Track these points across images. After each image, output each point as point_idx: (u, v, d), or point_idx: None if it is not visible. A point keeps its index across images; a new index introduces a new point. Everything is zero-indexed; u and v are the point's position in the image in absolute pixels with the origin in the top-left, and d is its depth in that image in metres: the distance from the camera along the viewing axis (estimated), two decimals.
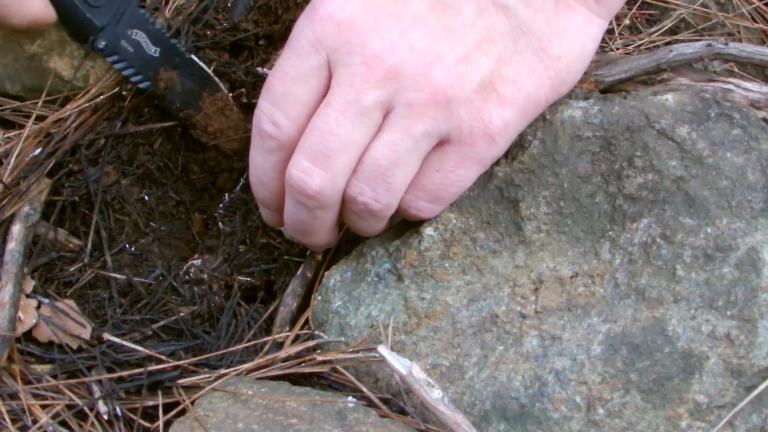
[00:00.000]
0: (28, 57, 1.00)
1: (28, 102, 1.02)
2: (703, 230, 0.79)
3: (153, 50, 0.97)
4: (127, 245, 1.00)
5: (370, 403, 0.81)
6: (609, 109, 0.84)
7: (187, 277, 0.97)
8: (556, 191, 0.83)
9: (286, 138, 0.81)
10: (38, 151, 0.99)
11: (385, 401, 0.81)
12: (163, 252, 1.02)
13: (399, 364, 0.75)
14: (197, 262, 0.98)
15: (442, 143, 0.80)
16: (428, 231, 0.86)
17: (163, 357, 0.85)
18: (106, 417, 0.81)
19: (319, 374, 0.86)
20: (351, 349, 0.83)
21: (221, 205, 1.04)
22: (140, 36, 0.96)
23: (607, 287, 0.80)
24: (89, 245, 0.98)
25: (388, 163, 0.78)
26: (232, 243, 0.99)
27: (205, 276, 0.97)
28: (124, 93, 1.04)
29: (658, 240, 0.80)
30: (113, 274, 0.95)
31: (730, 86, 1.02)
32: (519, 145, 0.85)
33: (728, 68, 1.15)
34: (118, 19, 0.93)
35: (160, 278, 0.97)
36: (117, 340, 0.86)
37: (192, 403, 0.79)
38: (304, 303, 0.93)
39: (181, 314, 0.91)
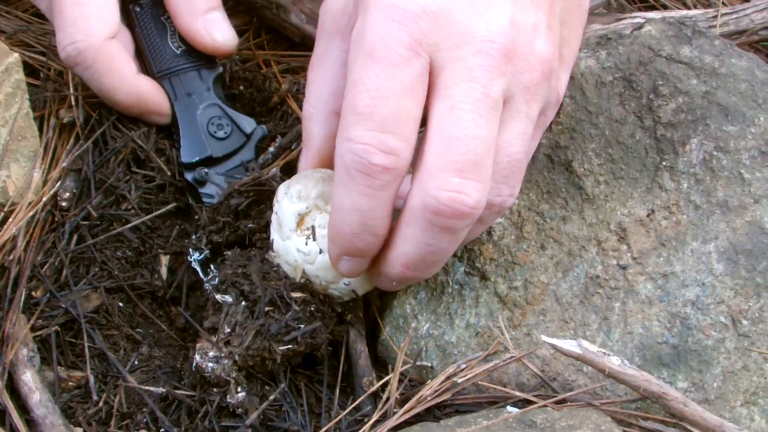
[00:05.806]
0: None
1: None
2: (748, 131, 0.83)
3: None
4: (132, 359, 0.85)
5: (524, 404, 0.75)
6: (615, 50, 0.86)
7: (209, 369, 0.83)
8: (601, 141, 0.83)
9: (403, 165, 0.69)
10: None
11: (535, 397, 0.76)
12: (167, 353, 0.88)
13: (568, 345, 0.71)
14: (217, 348, 0.84)
15: None
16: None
17: None
18: None
19: (439, 405, 0.79)
20: (483, 358, 0.77)
21: (207, 280, 0.90)
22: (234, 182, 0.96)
23: (689, 212, 0.81)
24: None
25: (523, 156, 0.72)
26: (249, 311, 0.85)
27: (237, 358, 0.84)
28: (63, 204, 0.89)
29: (715, 153, 0.82)
30: (149, 387, 0.81)
31: (639, 19, 1.09)
32: None
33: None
34: (229, 167, 0.96)
35: (194, 380, 0.83)
36: None
37: None
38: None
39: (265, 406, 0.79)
